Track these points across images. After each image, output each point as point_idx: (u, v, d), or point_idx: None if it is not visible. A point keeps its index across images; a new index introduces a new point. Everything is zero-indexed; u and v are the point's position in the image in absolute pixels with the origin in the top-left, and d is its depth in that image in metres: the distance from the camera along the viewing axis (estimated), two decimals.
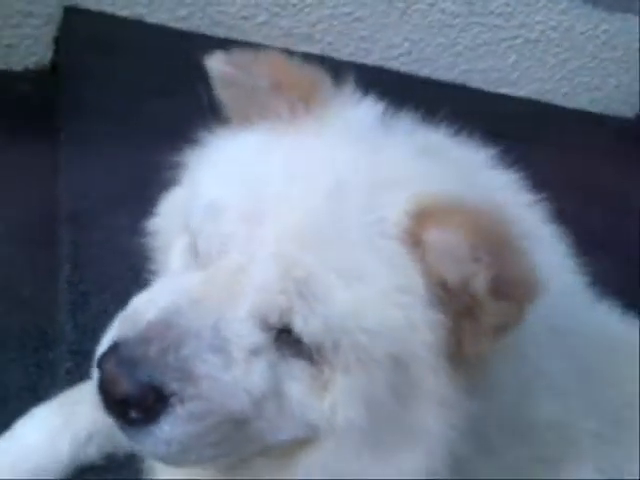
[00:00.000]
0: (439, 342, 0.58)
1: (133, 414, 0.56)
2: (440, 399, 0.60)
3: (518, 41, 2.45)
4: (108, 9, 1.92)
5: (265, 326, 0.58)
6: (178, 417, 0.56)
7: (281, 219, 0.58)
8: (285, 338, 0.58)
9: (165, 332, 0.57)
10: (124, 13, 1.94)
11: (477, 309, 0.57)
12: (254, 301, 0.58)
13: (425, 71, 2.39)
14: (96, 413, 0.63)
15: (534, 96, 2.58)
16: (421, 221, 0.58)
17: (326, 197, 0.59)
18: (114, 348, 0.57)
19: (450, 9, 2.30)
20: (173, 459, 0.61)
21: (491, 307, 0.56)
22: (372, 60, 2.30)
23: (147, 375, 0.55)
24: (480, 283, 0.55)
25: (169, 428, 0.57)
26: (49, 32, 1.86)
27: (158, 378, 0.55)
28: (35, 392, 1.01)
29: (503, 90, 2.53)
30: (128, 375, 0.55)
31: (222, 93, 0.71)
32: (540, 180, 0.77)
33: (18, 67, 1.87)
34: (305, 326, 0.56)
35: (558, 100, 2.62)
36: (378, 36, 2.27)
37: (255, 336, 0.58)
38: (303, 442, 0.63)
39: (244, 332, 0.58)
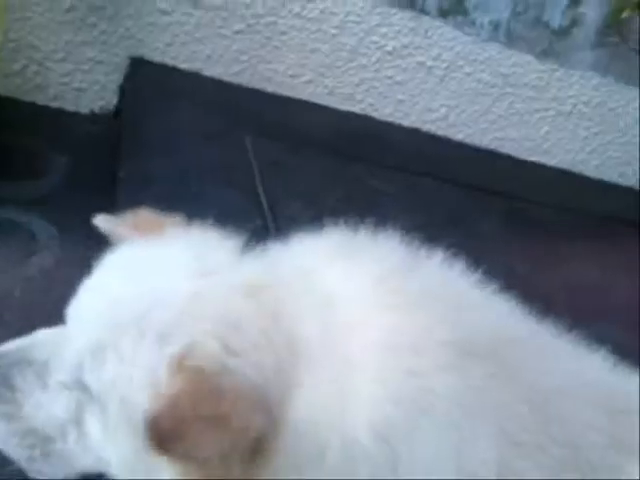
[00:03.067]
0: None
1: None
2: None
3: (550, 113, 2.56)
4: (170, 62, 2.10)
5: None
6: None
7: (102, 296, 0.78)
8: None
9: (15, 354, 0.81)
10: (184, 66, 2.11)
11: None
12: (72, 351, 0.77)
13: (459, 136, 2.52)
14: None
15: (565, 166, 2.67)
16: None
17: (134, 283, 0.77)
18: None
19: (486, 79, 2.43)
20: (3, 448, 0.82)
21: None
22: (410, 122, 2.44)
23: None
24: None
25: None
26: (116, 80, 2.05)
27: None
28: None
29: (534, 158, 2.62)
30: None
31: None
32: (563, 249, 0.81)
33: (85, 110, 2.06)
34: (92, 381, 0.74)
35: (589, 172, 2.71)
36: (416, 100, 2.41)
37: (67, 375, 0.78)
38: None
39: (61, 370, 0.78)
